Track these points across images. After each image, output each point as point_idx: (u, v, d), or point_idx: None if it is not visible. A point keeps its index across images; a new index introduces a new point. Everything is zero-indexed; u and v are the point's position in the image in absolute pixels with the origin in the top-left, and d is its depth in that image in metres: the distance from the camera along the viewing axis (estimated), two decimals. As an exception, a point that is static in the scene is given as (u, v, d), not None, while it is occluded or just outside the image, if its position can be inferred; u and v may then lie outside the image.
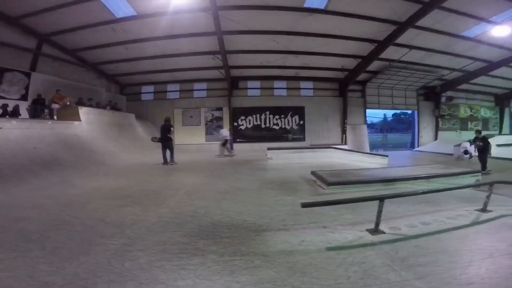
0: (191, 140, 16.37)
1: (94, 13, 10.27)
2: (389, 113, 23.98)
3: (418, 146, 18.70)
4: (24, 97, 10.88)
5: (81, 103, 11.53)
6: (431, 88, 18.78)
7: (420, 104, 19.15)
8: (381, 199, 3.38)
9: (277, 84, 17.28)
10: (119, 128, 12.34)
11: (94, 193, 5.36)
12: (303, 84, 17.35)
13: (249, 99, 16.98)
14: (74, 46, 12.67)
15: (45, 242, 2.92)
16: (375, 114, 20.39)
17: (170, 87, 17.21)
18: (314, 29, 11.97)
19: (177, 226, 3.55)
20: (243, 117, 16.89)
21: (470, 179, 6.51)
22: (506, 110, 21.43)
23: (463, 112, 20.45)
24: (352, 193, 5.07)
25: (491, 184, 4.33)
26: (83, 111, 10.47)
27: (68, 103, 10.67)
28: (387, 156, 9.62)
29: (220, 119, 16.85)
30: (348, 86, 16.92)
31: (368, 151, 14.72)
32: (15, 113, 9.33)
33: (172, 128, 10.05)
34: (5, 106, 9.20)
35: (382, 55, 13.63)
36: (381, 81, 17.26)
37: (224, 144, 13.01)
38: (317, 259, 2.66)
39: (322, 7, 10.51)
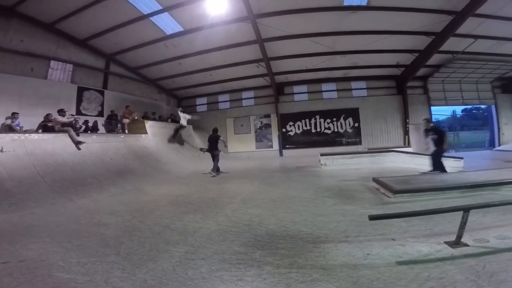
0: (242, 148, 16.84)
1: (147, 32, 11.47)
2: (458, 109, 21.14)
3: (499, 145, 15.96)
4: (100, 114, 12.60)
5: (146, 117, 12.83)
6: (509, 79, 15.93)
7: (498, 97, 16.36)
8: (466, 209, 2.89)
9: (325, 86, 16.70)
10: (179, 139, 13.34)
11: (160, 199, 5.81)
12: (354, 84, 16.43)
13: (296, 104, 16.77)
14: (135, 64, 14.30)
15: (120, 247, 3.21)
16: (443, 111, 18.18)
17: (221, 97, 18.12)
18: (360, 26, 11.36)
19: (234, 235, 3.60)
20: (291, 123, 16.67)
21: None
22: None
23: None
24: (424, 202, 4.51)
25: None
26: (148, 125, 11.61)
27: (136, 118, 11.97)
28: (462, 158, 8.43)
29: (269, 126, 16.94)
30: (407, 82, 15.40)
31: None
32: (94, 128, 10.85)
33: (221, 138, 9.72)
34: (86, 122, 10.76)
35: (443, 48, 12.16)
36: (445, 75, 15.29)
37: None
38: (386, 274, 2.40)
39: (364, 3, 9.98)
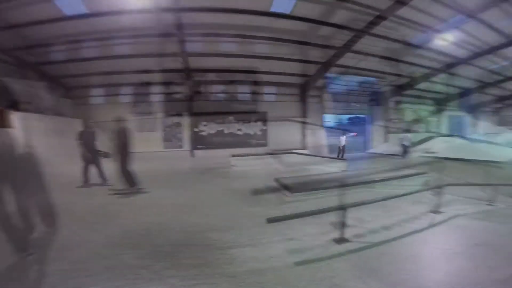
0: (147, 147, 15.22)
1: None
2: (345, 118, 25.78)
3: (370, 148, 20.13)
4: None
5: (15, 107, 10.18)
6: (381, 94, 20.58)
7: (372, 109, 20.80)
8: (343, 208, 3.53)
9: (241, 88, 17.29)
10: (62, 135, 11.17)
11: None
12: (267, 89, 17.65)
13: (211, 104, 16.64)
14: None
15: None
16: (332, 119, 21.64)
17: (123, 90, 16.07)
18: (280, 33, 12.47)
19: (130, 247, 3.28)
20: (204, 123, 16.53)
21: (420, 180, 6.93)
22: (444, 113, 24.25)
23: (410, 115, 22.59)
24: (317, 200, 5.13)
25: (440, 187, 4.75)
26: (19, 117, 9.23)
27: None
28: (345, 159, 10.34)
29: (180, 124, 16.20)
30: (309, 91, 17.71)
31: (328, 155, 15.17)
32: None
33: (94, 135, 7.52)
34: None
35: (340, 61, 14.57)
36: (337, 88, 18.37)
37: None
38: (287, 276, 2.65)
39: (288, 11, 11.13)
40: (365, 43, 13.11)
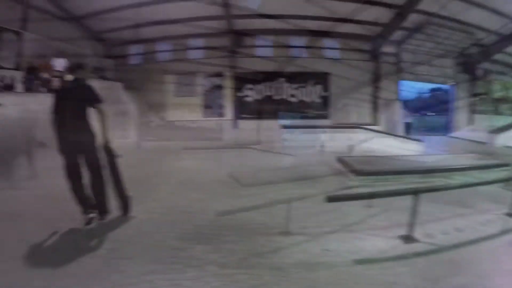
0: (184, 115, 15.82)
1: None
2: (424, 88, 23.40)
3: (453, 131, 18.03)
4: (17, 66, 10.87)
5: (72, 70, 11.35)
6: (467, 57, 17.65)
7: (458, 77, 18.09)
8: (416, 192, 3.43)
9: (294, 41, 16.50)
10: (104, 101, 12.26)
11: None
12: (327, 42, 16.46)
13: (258, 61, 16.17)
14: None
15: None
16: (411, 88, 19.67)
17: (160, 46, 16.72)
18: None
19: (170, 225, 3.65)
20: (250, 86, 16.26)
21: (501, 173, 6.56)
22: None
23: (498, 91, 19.27)
24: (382, 187, 5.04)
25: None
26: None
27: (56, 72, 10.52)
28: (421, 141, 9.98)
29: (221, 88, 16.26)
30: (382, 45, 16.07)
31: (401, 134, 14.10)
32: (10, 86, 9.45)
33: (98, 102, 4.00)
34: (1, 77, 9.21)
35: (420, 6, 12.94)
36: (418, 43, 16.29)
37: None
38: (343, 276, 2.63)
39: None
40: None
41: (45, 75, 10.36)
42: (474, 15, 13.88)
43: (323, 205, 3.94)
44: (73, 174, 3.59)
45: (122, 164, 3.99)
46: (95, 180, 3.69)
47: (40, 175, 5.34)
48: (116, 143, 3.83)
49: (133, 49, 17.05)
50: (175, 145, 9.79)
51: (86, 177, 3.70)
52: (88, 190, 3.67)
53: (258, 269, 2.70)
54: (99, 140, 3.71)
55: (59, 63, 10.56)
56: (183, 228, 3.53)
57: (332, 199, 3.39)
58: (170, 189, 5.18)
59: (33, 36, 11.51)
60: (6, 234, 3.29)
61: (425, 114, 24.32)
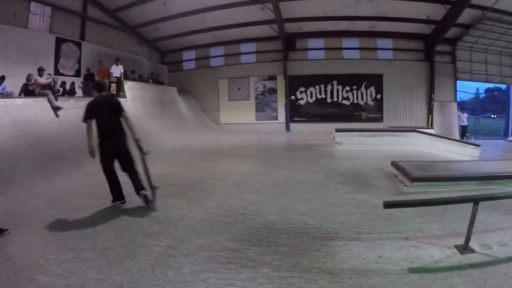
0: (238, 118, 16.38)
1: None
2: (481, 89, 21.70)
3: None
4: (78, 73, 12.39)
5: (124, 76, 12.19)
6: None
7: None
8: (476, 200, 3.25)
9: (346, 43, 16.07)
10: (161, 105, 13.27)
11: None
12: (380, 42, 15.85)
13: (310, 64, 16.17)
14: (113, 4, 13.86)
15: (96, 240, 3.34)
16: (466, 88, 18.51)
17: (213, 51, 17.36)
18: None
19: (225, 226, 3.71)
20: (302, 89, 16.14)
21: None
22: None
23: None
24: (439, 194, 4.75)
25: None
26: (127, 86, 11.39)
27: (114, 78, 11.48)
28: (479, 146, 9.16)
29: (274, 91, 16.43)
30: (436, 44, 15.02)
31: (458, 138, 13.33)
32: (71, 91, 10.80)
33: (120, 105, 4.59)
34: (63, 83, 10.62)
35: (475, 1, 11.98)
36: (473, 40, 15.08)
37: None
38: (397, 284, 2.56)
39: None
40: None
41: (103, 81, 11.39)
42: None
43: (377, 211, 3.99)
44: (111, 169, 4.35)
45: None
46: (132, 171, 4.38)
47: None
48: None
49: (187, 55, 17.92)
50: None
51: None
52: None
53: (312, 273, 2.70)
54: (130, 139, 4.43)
55: (116, 70, 11.43)
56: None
57: (389, 205, 3.30)
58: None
59: (91, 46, 12.87)
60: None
61: (482, 116, 22.80)
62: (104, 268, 2.73)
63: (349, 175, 6.31)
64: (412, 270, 2.77)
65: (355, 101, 15.99)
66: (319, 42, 16.23)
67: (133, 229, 3.61)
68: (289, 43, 15.84)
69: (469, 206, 3.23)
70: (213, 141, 10.45)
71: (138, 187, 4.30)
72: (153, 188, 4.40)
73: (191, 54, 17.94)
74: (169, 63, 18.25)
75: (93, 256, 2.96)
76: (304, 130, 14.84)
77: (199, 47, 17.50)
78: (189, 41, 16.98)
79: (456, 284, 2.59)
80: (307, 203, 4.58)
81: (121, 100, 10.01)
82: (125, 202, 4.40)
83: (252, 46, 16.77)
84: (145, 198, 4.24)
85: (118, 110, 4.42)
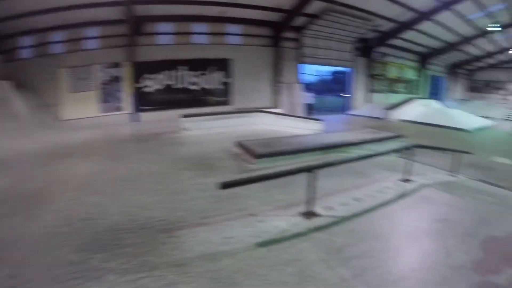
0: (82, 112, 14.31)
1: None
2: (324, 71, 26.53)
3: (351, 109, 20.62)
4: None
5: None
6: (365, 42, 20.38)
7: (356, 60, 20.69)
8: (310, 169, 3.54)
9: (196, 27, 16.19)
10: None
11: None
12: (230, 28, 16.60)
13: (158, 49, 15.54)
14: None
15: None
16: (311, 71, 21.59)
17: (53, 36, 14.56)
18: None
19: (66, 237, 3.42)
20: (150, 75, 15.41)
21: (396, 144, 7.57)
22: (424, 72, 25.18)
23: (393, 72, 23.25)
24: (285, 167, 4.89)
25: (407, 148, 5.25)
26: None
27: None
28: (321, 120, 10.52)
29: (119, 79, 15.01)
30: (284, 31, 16.89)
31: (303, 115, 15.19)
32: None
33: None
34: None
35: None
36: (319, 29, 17.85)
37: None
38: (246, 262, 2.71)
39: None
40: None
41: None
42: (373, 4, 16.25)
43: (222, 192, 3.89)
44: None
45: None
46: None
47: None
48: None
49: (23, 41, 14.45)
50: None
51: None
52: None
53: (160, 270, 2.69)
54: None
55: None
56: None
57: (226, 185, 3.29)
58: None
59: None
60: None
61: (328, 96, 27.12)
62: None
63: (194, 160, 6.37)
64: (260, 244, 2.94)
65: (204, 86, 16.41)
66: (169, 27, 15.75)
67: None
68: (137, 27, 14.74)
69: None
70: (54, 141, 9.07)
71: None
72: None
73: (29, 40, 14.34)
74: (4, 51, 14.13)
75: None
76: (153, 119, 14.23)
77: (38, 32, 14.17)
78: (26, 23, 13.50)
79: (305, 249, 2.85)
80: (152, 195, 4.53)
81: None
82: None
83: (95, 30, 14.77)
84: None
85: None
